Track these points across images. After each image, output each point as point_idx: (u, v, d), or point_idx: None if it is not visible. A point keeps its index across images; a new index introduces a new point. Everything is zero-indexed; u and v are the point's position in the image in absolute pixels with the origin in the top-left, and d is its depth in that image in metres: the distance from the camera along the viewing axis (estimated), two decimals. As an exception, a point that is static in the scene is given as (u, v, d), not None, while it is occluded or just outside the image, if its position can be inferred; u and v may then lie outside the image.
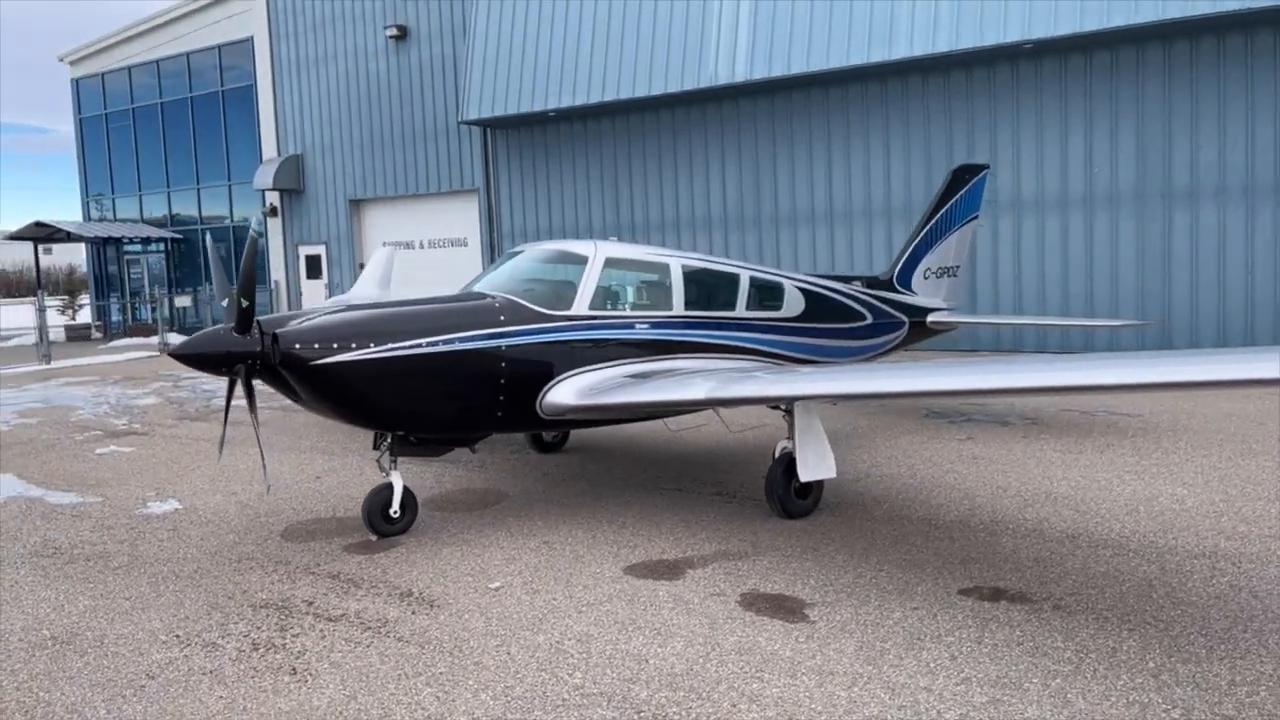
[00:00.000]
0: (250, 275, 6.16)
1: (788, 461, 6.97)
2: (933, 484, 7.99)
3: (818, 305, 8.91)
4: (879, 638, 4.92)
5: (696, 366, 7.57)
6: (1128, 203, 15.59)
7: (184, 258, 30.83)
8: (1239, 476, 7.85)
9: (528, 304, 7.12)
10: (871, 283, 10.09)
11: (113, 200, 32.29)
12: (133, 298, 31.18)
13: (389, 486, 6.95)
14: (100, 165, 32.44)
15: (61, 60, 32.84)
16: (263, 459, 6.66)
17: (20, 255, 66.76)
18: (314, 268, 26.92)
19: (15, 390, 17.01)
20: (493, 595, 5.77)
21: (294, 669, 4.80)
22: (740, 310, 8.30)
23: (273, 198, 27.16)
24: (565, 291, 7.36)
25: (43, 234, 29.78)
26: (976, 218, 11.11)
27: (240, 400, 6.45)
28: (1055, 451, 9.02)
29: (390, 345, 6.47)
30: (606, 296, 7.62)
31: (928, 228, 10.64)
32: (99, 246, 31.71)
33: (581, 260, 7.52)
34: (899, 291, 10.27)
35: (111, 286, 32.33)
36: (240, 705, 4.44)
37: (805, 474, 6.88)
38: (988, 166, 11.29)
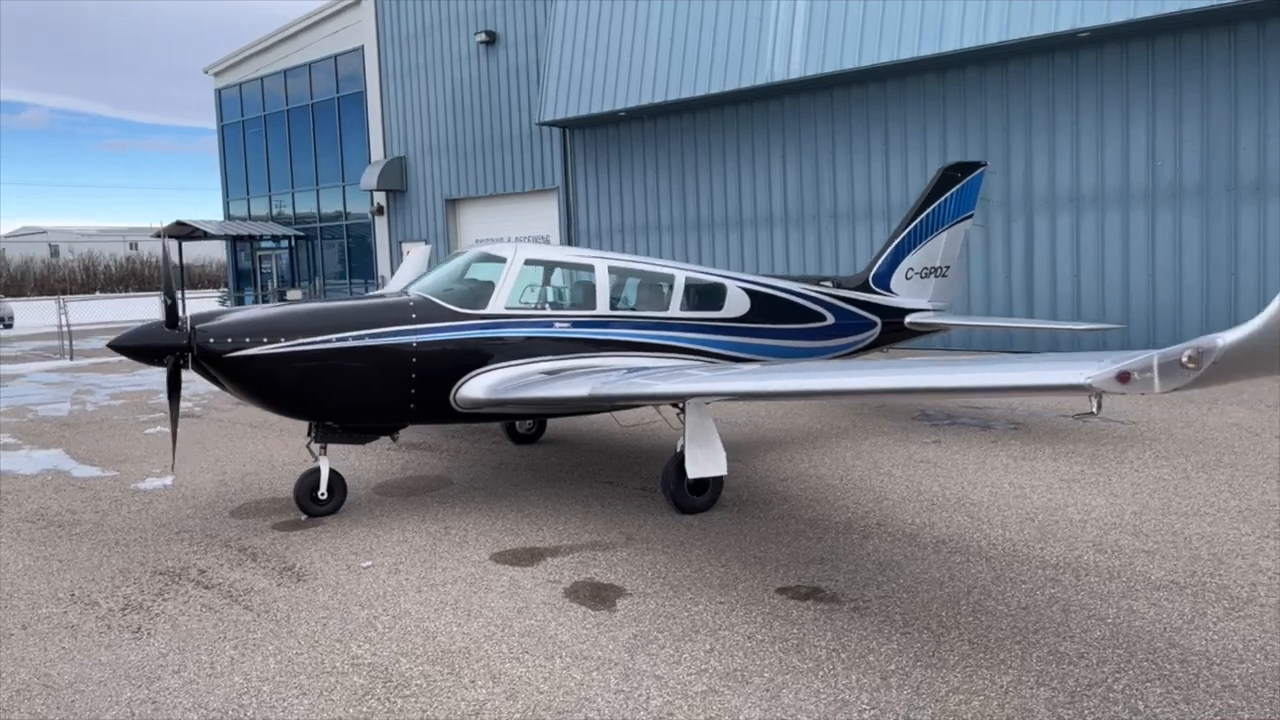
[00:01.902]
0: (169, 277, 6.87)
1: (681, 459, 7.15)
2: (855, 486, 7.98)
3: (765, 306, 8.98)
4: (660, 629, 5.12)
5: (609, 364, 7.82)
6: (1192, 198, 14.66)
7: (308, 254, 32.98)
8: (1175, 490, 7.49)
9: (441, 302, 7.57)
10: (842, 283, 10.03)
11: (247, 200, 34.88)
12: (263, 291, 33.62)
13: (317, 470, 7.57)
14: (238, 167, 35.10)
15: (206, 72, 35.70)
16: (174, 445, 7.25)
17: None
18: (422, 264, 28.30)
19: (126, 375, 18.79)
20: (359, 573, 6.25)
21: (139, 628, 5.42)
22: (674, 310, 8.49)
23: (379, 197, 28.73)
24: (483, 291, 7.77)
25: (183, 232, 32.51)
26: (970, 217, 10.82)
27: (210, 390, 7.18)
28: (1009, 458, 8.79)
29: (301, 340, 7.05)
30: (524, 296, 7.99)
31: (910, 228, 10.46)
32: (233, 243, 34.31)
33: (502, 261, 7.91)
34: (874, 292, 10.16)
35: (248, 280, 34.96)
36: (71, 655, 5.08)
37: (693, 471, 7.06)
38: (984, 164, 10.96)
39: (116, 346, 6.97)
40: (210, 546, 6.96)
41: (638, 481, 8.45)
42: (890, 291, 10.27)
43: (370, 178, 27.96)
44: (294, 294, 30.89)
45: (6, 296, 62.73)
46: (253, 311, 7.33)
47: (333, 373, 7.18)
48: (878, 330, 9.94)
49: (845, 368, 6.39)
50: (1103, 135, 15.54)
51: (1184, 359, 3.37)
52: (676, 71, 19.79)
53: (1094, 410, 4.21)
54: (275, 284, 32.73)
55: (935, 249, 10.52)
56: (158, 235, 33.76)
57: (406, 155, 28.09)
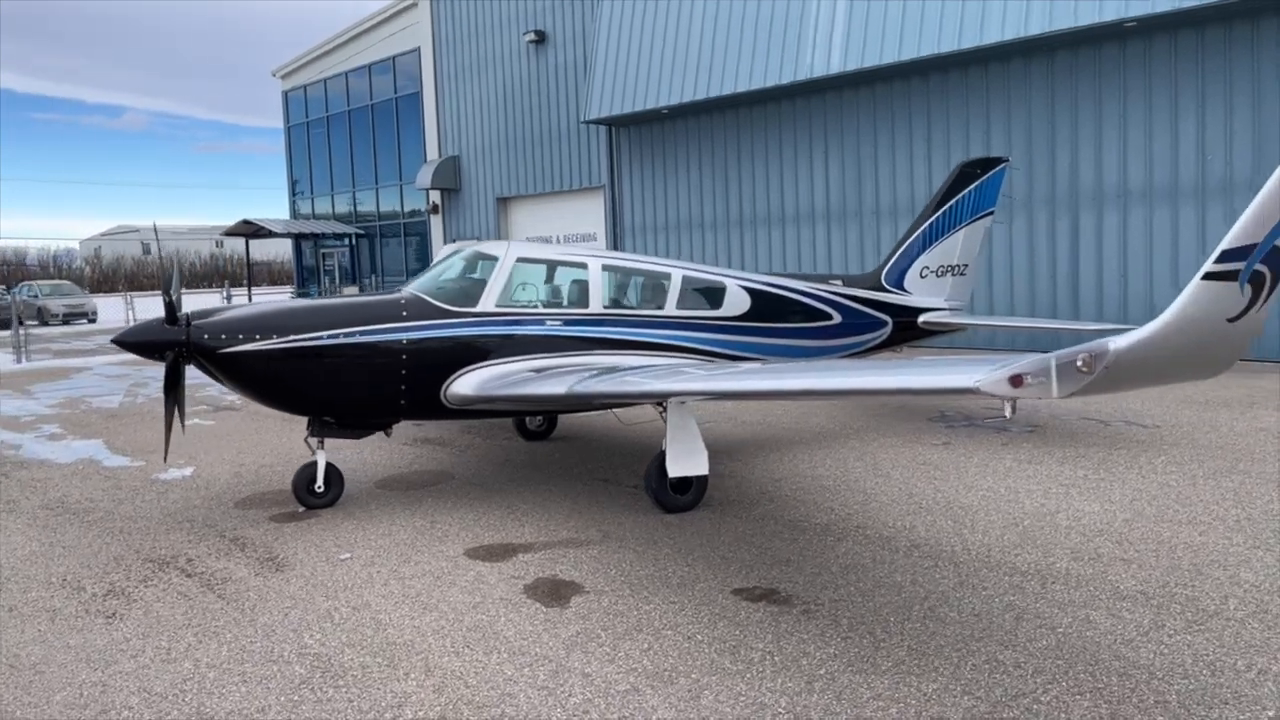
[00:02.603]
0: (167, 275, 7.13)
1: (663, 458, 7.16)
2: (848, 488, 7.88)
3: (767, 305, 8.91)
4: (605, 627, 5.14)
5: (599, 363, 7.86)
6: (1242, 192, 14.06)
7: (369, 252, 33.72)
8: (1176, 497, 7.22)
9: (433, 300, 7.70)
10: (852, 282, 9.89)
11: (312, 199, 35.80)
12: (327, 288, 34.50)
13: (314, 464, 7.77)
14: (303, 167, 36.04)
15: (274, 75, 36.72)
16: (167, 438, 7.43)
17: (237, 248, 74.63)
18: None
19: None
20: (335, 565, 6.41)
21: (114, 613, 5.64)
22: (670, 309, 8.48)
23: (434, 196, 29.22)
24: (474, 289, 7.87)
25: (250, 231, 33.51)
26: (991, 214, 10.56)
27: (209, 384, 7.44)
28: (1015, 461, 8.57)
29: (292, 337, 7.25)
30: (516, 294, 8.07)
31: (925, 225, 10.25)
32: (298, 241, 35.25)
33: (494, 260, 8.01)
34: (886, 291, 9.99)
35: (313, 277, 35.91)
36: (45, 638, 5.31)
37: (674, 470, 7.06)
38: (1007, 160, 10.68)
39: (119, 342, 7.26)
40: (205, 536, 7.19)
41: (633, 479, 8.46)
42: (903, 290, 10.10)
43: (424, 177, 28.46)
44: (349, 290, 31.62)
45: (97, 293, 65.69)
46: (248, 309, 7.55)
47: (323, 369, 7.36)
48: (888, 330, 9.78)
49: (760, 372, 6.38)
50: (1151, 128, 15.00)
51: (1079, 363, 3.27)
52: (718, 69, 19.72)
53: (1006, 414, 4.10)
54: (336, 281, 33.54)
55: (953, 247, 10.30)
56: (228, 234, 34.88)
57: (460, 154, 28.51)
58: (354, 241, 33.73)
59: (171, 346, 7.16)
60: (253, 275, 37.25)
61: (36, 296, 39.91)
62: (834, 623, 5.07)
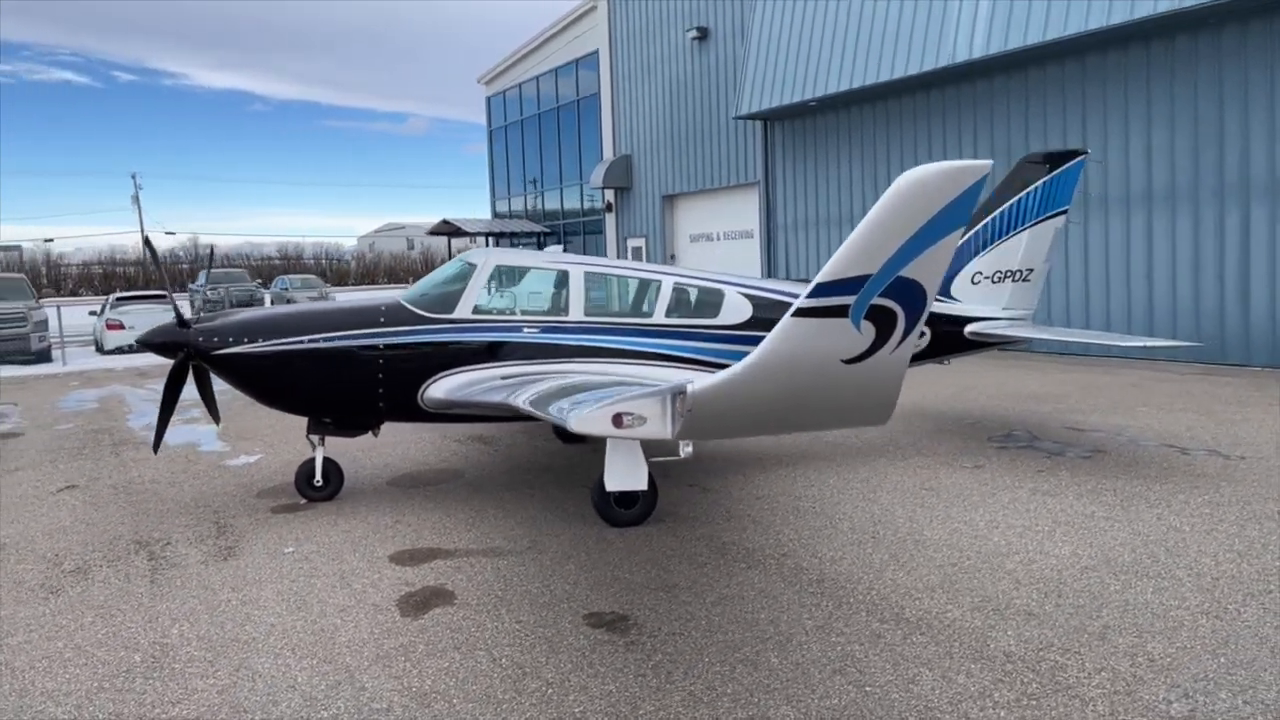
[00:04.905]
0: (165, 279, 7.86)
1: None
2: (815, 513, 7.39)
3: (771, 313, 8.47)
4: (432, 641, 5.18)
5: (574, 370, 7.81)
6: None
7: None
8: (1170, 548, 6.22)
9: (411, 307, 7.97)
10: (889, 288, 9.17)
11: (509, 199, 37.62)
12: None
13: (313, 460, 8.29)
14: (501, 168, 37.95)
15: (479, 82, 38.87)
16: (159, 431, 8.06)
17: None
18: (638, 259, 29.16)
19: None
20: (275, 558, 6.81)
21: (59, 589, 6.31)
22: (659, 317, 8.28)
23: (608, 195, 29.87)
24: (452, 296, 8.05)
25: (450, 230, 35.71)
26: (1065, 212, 9.42)
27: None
28: (1030, 491, 7.68)
29: (276, 340, 7.76)
30: (494, 301, 8.17)
31: (979, 227, 9.31)
32: (494, 239, 37.14)
33: (474, 267, 8.15)
34: (927, 298, 9.19)
35: (509, 274, 37.77)
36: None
37: (611, 484, 6.93)
38: (1085, 152, 9.48)
39: (142, 342, 8.08)
40: (202, 521, 7.86)
41: (622, 489, 8.35)
42: (948, 298, 9.26)
43: (598, 176, 29.15)
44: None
45: (361, 285, 71.93)
46: (246, 314, 8.14)
47: (304, 370, 7.81)
48: (926, 340, 8.99)
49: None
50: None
51: (679, 403, 2.95)
52: (862, 58, 18.87)
53: (680, 455, 3.71)
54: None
55: (1013, 250, 9.32)
56: (431, 233, 37.34)
57: (632, 153, 28.96)
58: (542, 240, 35.12)
59: (181, 347, 7.86)
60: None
61: (287, 289, 44.65)
62: (647, 656, 4.83)
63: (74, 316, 27.04)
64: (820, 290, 2.81)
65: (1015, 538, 6.52)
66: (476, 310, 8.02)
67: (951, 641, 4.86)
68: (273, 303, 29.03)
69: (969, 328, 9.15)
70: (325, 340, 7.80)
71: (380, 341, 7.84)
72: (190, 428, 12.54)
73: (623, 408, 3.04)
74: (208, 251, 26.72)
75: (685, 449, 6.67)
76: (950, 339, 9.14)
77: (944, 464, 8.76)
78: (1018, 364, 15.57)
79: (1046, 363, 15.57)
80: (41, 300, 27.75)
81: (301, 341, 7.78)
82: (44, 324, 23.85)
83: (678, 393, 2.85)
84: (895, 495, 7.75)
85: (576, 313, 8.16)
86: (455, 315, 7.98)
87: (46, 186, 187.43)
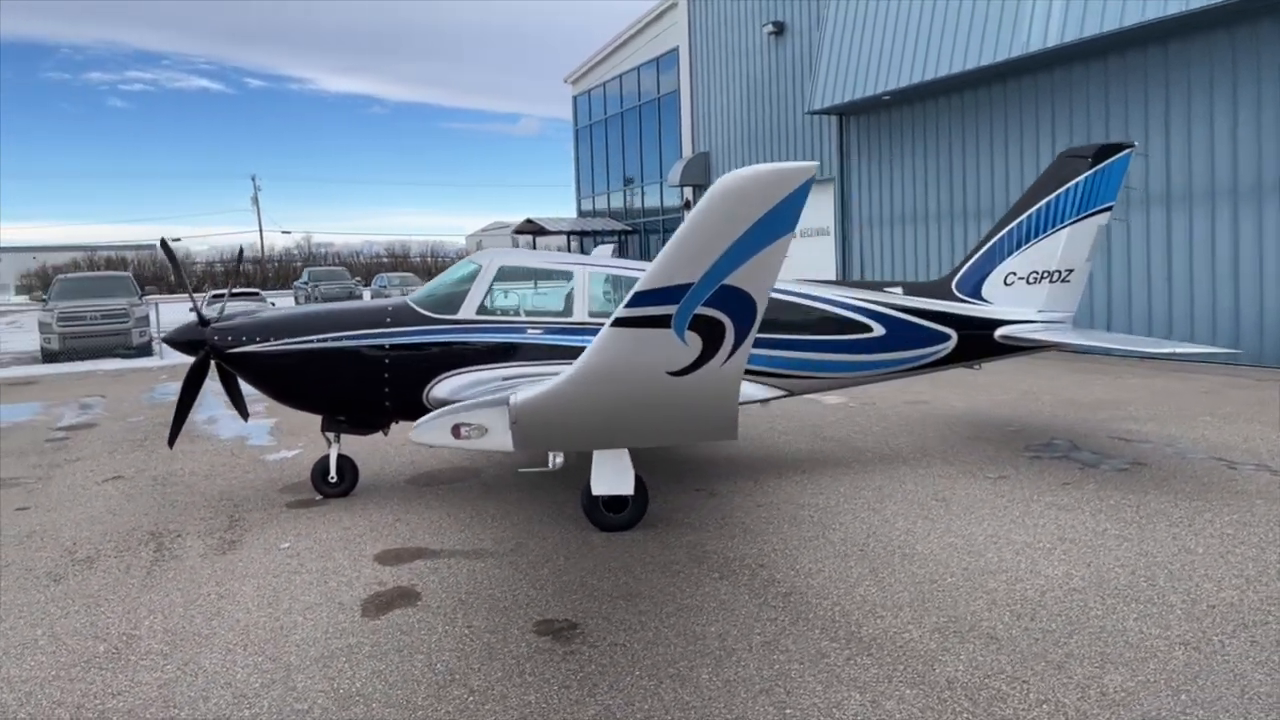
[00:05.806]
0: (185, 283, 8.15)
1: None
2: (812, 522, 7.15)
3: (780, 314, 8.21)
4: (379, 643, 5.21)
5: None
6: None
7: (638, 247, 35.06)
8: (1174, 571, 5.78)
9: (416, 308, 8.05)
10: (916, 290, 8.80)
11: (593, 197, 37.85)
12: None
13: (328, 456, 8.48)
14: (586, 166, 38.21)
15: (565, 81, 39.23)
16: (174, 426, 8.33)
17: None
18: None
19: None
20: (269, 553, 6.98)
21: (63, 577, 6.60)
22: (666, 318, 8.14)
23: (687, 192, 29.73)
24: (457, 298, 8.10)
25: (533, 229, 36.15)
26: (1109, 209, 8.85)
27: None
28: (1046, 504, 7.27)
29: (287, 340, 7.95)
30: (498, 302, 8.17)
31: (1013, 225, 8.83)
32: (577, 238, 37.43)
33: (480, 268, 8.17)
34: (956, 300, 8.77)
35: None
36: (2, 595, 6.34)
37: (598, 488, 6.85)
38: (1133, 145, 8.88)
39: (168, 341, 8.39)
40: (218, 514, 8.11)
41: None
42: (979, 300, 8.82)
43: (675, 174, 29.05)
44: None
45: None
46: (264, 314, 8.36)
47: (312, 370, 7.98)
48: (952, 343, 8.60)
49: None
50: None
51: (511, 414, 2.86)
52: (934, 50, 18.27)
53: (549, 466, 3.57)
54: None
55: (1051, 249, 8.81)
56: (516, 231, 37.91)
57: (710, 150, 28.75)
58: (623, 238, 35.21)
59: (201, 346, 8.14)
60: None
61: (386, 286, 46.15)
62: (580, 667, 4.74)
63: (176, 313, 28.42)
64: (639, 299, 2.66)
65: (1010, 555, 6.17)
66: (481, 311, 8.04)
67: (896, 664, 4.62)
68: (373, 299, 29.92)
69: (999, 331, 8.72)
70: (334, 340, 7.95)
71: (386, 341, 7.95)
72: (238, 422, 12.96)
73: (461, 419, 2.97)
74: (237, 251, 27.64)
75: (555, 459, 6.69)
76: (978, 342, 8.72)
77: (966, 473, 8.38)
78: (1092, 368, 14.80)
79: (1123, 367, 14.76)
80: (146, 297, 29.21)
81: (311, 341, 7.95)
82: (145, 320, 25.10)
83: (505, 404, 2.76)
84: (902, 506, 7.44)
85: (581, 314, 8.10)
86: (460, 316, 8.02)
87: (177, 188, 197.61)
